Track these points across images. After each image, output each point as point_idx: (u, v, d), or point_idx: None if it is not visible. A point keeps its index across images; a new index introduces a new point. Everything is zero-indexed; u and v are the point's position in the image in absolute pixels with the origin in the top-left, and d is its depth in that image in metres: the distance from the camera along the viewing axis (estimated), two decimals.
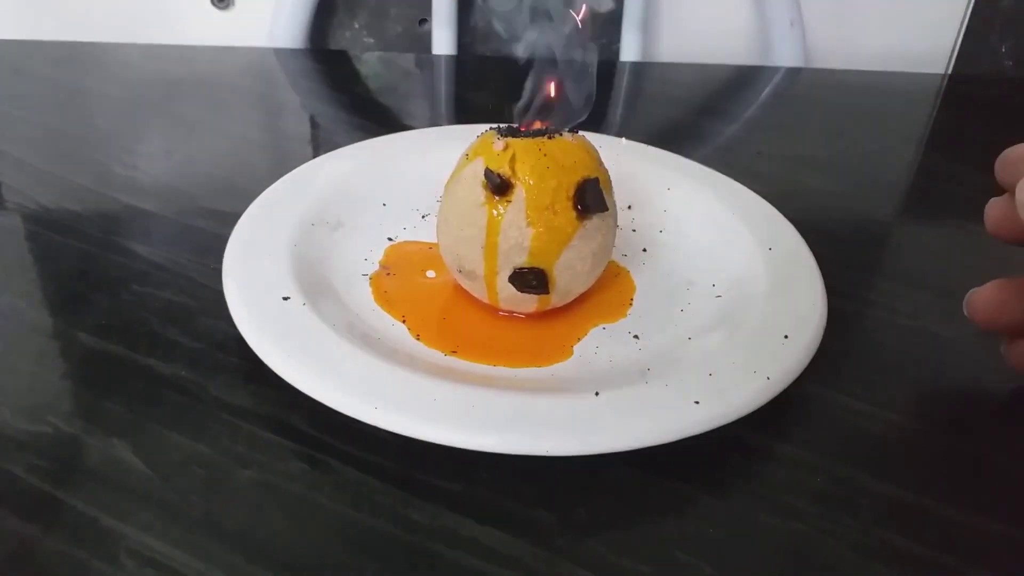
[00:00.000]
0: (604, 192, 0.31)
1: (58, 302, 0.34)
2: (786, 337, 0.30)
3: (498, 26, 0.31)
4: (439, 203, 0.33)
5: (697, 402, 0.27)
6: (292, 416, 0.29)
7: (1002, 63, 0.68)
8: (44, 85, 0.54)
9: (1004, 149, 0.30)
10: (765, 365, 0.29)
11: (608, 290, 0.35)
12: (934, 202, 0.48)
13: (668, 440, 0.26)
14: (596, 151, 0.32)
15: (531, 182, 0.30)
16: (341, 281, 0.34)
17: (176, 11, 0.61)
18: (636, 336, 0.33)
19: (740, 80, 0.64)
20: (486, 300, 0.33)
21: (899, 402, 0.31)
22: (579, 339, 0.32)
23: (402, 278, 0.35)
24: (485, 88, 0.60)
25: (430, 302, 0.34)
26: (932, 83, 0.66)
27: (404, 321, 0.33)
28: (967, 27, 0.66)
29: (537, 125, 0.32)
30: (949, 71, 0.68)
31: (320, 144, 0.50)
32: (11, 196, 0.41)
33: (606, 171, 0.32)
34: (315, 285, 0.32)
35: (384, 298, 0.34)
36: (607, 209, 0.31)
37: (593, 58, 0.31)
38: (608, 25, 0.64)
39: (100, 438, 0.28)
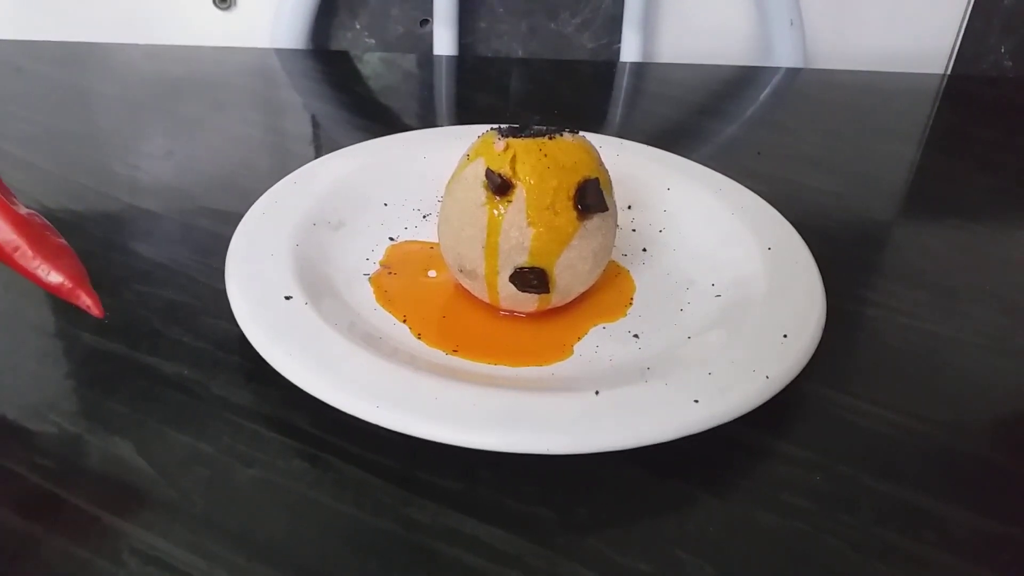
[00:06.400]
0: (604, 192, 0.31)
1: (60, 301, 0.34)
2: (785, 336, 0.30)
3: None
4: (440, 203, 0.33)
5: (697, 401, 0.27)
6: (294, 415, 0.29)
7: (1002, 63, 0.68)
8: (45, 85, 0.54)
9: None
10: (764, 364, 0.29)
11: (608, 290, 0.35)
12: (934, 202, 0.48)
13: (668, 439, 0.26)
14: (596, 151, 0.32)
15: (532, 182, 0.30)
16: (343, 281, 0.34)
17: (178, 11, 0.61)
18: (636, 335, 0.33)
19: (740, 80, 0.64)
20: (487, 300, 0.33)
21: (899, 402, 0.31)
22: (579, 338, 0.33)
23: (403, 278, 0.35)
24: (485, 88, 0.60)
25: (431, 301, 0.34)
26: (932, 83, 0.66)
27: (405, 320, 0.33)
28: (967, 27, 0.66)
29: None
30: (949, 71, 0.68)
31: (322, 144, 0.50)
32: None
33: (606, 171, 0.32)
34: (317, 285, 0.33)
35: (385, 297, 0.34)
36: (607, 209, 0.31)
37: None
38: (608, 25, 0.65)
39: (102, 437, 0.28)
